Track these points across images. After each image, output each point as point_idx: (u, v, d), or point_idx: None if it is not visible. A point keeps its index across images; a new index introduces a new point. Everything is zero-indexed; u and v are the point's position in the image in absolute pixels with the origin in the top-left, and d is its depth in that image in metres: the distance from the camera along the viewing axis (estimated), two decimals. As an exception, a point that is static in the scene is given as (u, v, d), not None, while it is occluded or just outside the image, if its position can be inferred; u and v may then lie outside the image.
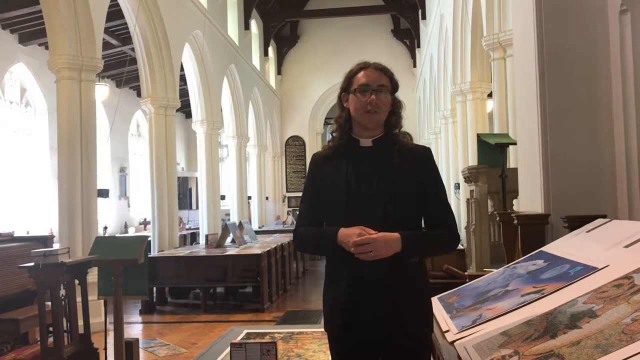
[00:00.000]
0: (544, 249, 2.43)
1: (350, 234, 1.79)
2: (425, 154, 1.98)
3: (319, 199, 1.97)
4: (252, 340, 4.84)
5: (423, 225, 1.97)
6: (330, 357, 2.04)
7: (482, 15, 7.02)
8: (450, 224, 1.95)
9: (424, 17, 15.37)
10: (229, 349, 4.12)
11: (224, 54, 12.69)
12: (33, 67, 11.07)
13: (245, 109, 14.65)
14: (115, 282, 4.08)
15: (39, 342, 4.08)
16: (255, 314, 7.39)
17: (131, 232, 14.32)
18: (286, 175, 19.73)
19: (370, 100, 1.89)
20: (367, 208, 1.84)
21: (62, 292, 4.11)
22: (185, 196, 17.56)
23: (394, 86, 1.97)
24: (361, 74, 1.95)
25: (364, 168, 1.92)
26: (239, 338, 5.67)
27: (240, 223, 10.04)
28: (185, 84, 11.31)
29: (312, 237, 1.96)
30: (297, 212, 2.16)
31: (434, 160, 2.01)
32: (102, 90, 10.94)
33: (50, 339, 4.06)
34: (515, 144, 4.65)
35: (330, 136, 2.04)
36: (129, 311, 7.52)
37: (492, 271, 2.66)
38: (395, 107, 1.98)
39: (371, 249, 1.77)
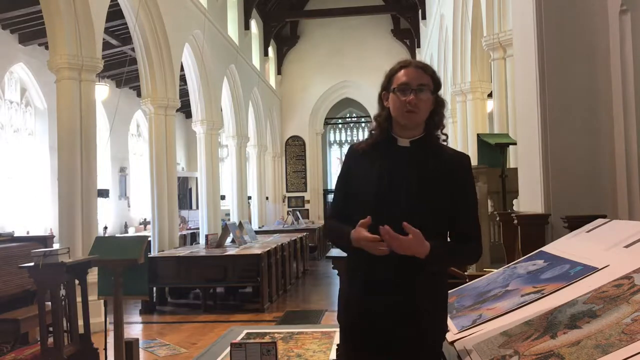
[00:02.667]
0: (544, 249, 2.43)
1: (359, 238, 1.77)
2: (462, 161, 1.91)
3: (351, 189, 1.95)
4: (252, 340, 4.85)
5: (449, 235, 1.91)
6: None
7: (482, 15, 7.02)
8: (476, 238, 1.88)
9: (424, 17, 15.38)
10: (229, 349, 4.12)
11: (224, 54, 12.69)
12: (33, 67, 11.07)
13: (245, 109, 14.65)
14: (115, 282, 4.07)
15: (39, 342, 4.08)
16: (255, 314, 7.38)
17: (131, 232, 14.31)
18: (286, 175, 19.72)
19: (410, 100, 1.84)
20: (394, 209, 1.80)
21: (62, 292, 4.12)
22: (185, 196, 17.56)
23: (436, 84, 1.90)
24: (401, 72, 1.89)
25: (397, 168, 1.88)
26: (239, 338, 5.66)
27: (240, 223, 10.03)
28: (185, 84, 11.31)
29: (335, 232, 1.97)
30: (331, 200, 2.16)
31: (471, 171, 1.94)
32: (102, 90, 10.94)
33: (50, 339, 4.06)
34: (515, 144, 4.65)
35: (370, 134, 2.01)
36: (129, 311, 7.51)
37: (492, 271, 2.66)
38: (438, 106, 1.91)
39: (400, 244, 1.70)
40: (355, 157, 1.99)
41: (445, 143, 1.96)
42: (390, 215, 1.76)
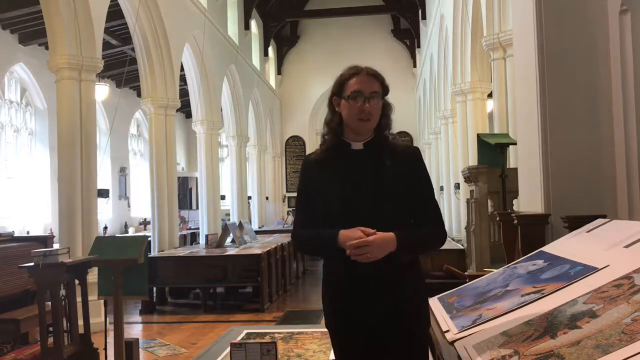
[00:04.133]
0: (544, 249, 2.42)
1: (349, 236, 1.82)
2: (414, 154, 2.02)
3: (315, 201, 2.00)
4: (252, 340, 4.85)
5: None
6: (329, 357, 2.07)
7: (482, 15, 7.02)
8: (438, 222, 2.00)
9: (424, 17, 15.37)
10: (229, 349, 4.12)
11: (224, 54, 12.69)
12: (33, 67, 11.07)
13: (245, 109, 14.64)
14: (115, 282, 4.07)
15: (39, 342, 4.08)
16: (255, 314, 7.39)
17: (131, 232, 14.31)
18: (286, 175, 19.72)
19: (364, 109, 1.92)
20: (361, 210, 1.88)
21: (62, 292, 4.11)
22: (185, 196, 17.55)
23: (385, 90, 1.99)
24: (353, 80, 1.96)
25: (356, 171, 1.95)
26: (239, 338, 5.66)
27: (240, 223, 10.03)
28: (185, 84, 11.31)
29: (312, 240, 2.00)
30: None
31: (423, 160, 2.05)
32: (102, 90, 10.93)
33: (50, 339, 4.06)
34: (515, 144, 4.65)
35: (322, 140, 2.06)
36: (129, 311, 7.51)
37: (492, 271, 2.66)
38: (385, 110, 2.01)
39: (367, 251, 1.80)
40: (311, 167, 2.04)
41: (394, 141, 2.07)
42: (357, 217, 1.83)
